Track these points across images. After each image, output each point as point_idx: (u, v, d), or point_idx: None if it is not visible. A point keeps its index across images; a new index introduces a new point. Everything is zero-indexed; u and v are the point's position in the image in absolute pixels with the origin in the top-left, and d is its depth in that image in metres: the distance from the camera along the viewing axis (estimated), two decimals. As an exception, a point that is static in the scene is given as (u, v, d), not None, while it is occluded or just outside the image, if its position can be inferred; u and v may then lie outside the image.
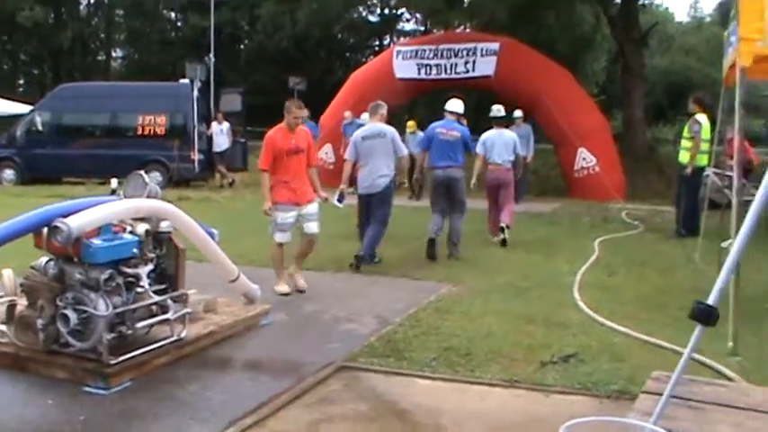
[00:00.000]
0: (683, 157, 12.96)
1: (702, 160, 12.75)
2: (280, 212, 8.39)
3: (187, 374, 5.62)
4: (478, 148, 12.37)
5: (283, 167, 8.42)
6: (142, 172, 6.40)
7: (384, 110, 10.49)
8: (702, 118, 12.73)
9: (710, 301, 2.87)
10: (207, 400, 5.14)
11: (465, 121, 12.73)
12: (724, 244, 7.72)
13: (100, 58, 56.06)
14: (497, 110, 13.63)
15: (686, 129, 13.10)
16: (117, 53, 58.43)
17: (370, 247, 10.23)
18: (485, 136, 12.67)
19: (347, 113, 20.95)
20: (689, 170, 12.80)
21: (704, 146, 12.70)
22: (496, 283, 9.00)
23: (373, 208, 10.42)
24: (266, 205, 8.36)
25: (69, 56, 51.04)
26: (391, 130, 10.36)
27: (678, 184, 13.54)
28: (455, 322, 7.16)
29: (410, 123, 21.41)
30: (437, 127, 11.47)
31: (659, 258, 11.02)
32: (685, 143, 12.99)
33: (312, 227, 8.55)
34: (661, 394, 2.92)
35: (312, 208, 8.57)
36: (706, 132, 12.67)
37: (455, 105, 11.77)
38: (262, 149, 8.61)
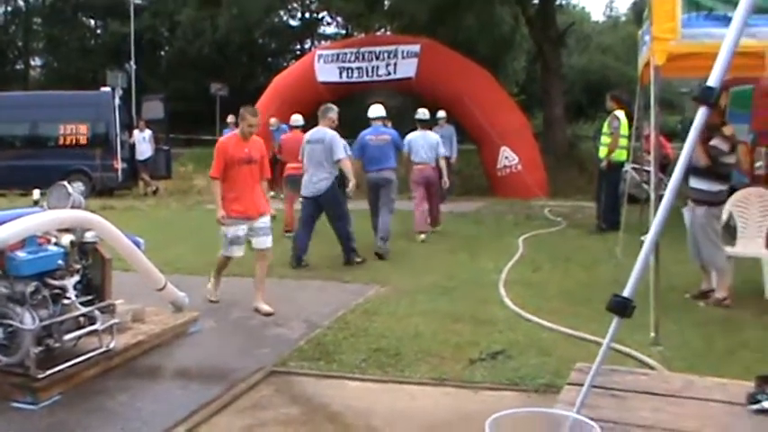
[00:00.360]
0: (603, 152, 13.22)
1: (621, 155, 13.08)
2: (230, 227, 7.99)
3: (117, 385, 5.60)
4: (404, 149, 12.81)
5: (233, 177, 7.96)
6: (65, 182, 6.35)
7: (332, 113, 10.57)
8: (621, 114, 13.00)
9: (626, 293, 2.98)
10: (137, 411, 5.12)
11: (390, 123, 13.37)
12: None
13: (18, 67, 54.94)
14: (422, 113, 14.10)
15: (606, 125, 13.35)
16: (35, 62, 57.24)
17: (350, 244, 10.68)
18: (409, 137, 13.07)
19: (272, 120, 20.86)
20: (604, 164, 13.09)
21: (623, 141, 13.07)
22: (423, 283, 9.08)
23: (327, 212, 10.65)
24: (219, 213, 7.91)
25: (-13, 65, 50.01)
26: (331, 134, 10.36)
27: (598, 179, 13.83)
28: (383, 323, 7.23)
29: None
30: (366, 135, 12.21)
31: (582, 253, 11.22)
32: (605, 139, 13.27)
33: (263, 241, 8.14)
34: (581, 384, 3.03)
35: (264, 221, 8.11)
36: (624, 128, 13.01)
37: (378, 111, 12.47)
38: (214, 157, 8.11)
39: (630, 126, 12.49)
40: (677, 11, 6.41)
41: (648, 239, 2.98)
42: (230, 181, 7.97)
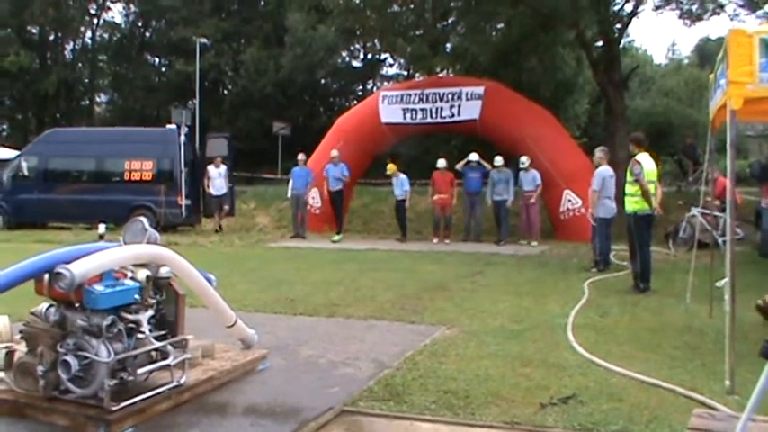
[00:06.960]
0: (631, 204, 12.00)
1: (642, 204, 11.90)
2: None
3: (188, 420, 5.60)
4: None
5: None
6: (143, 218, 6.40)
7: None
8: (643, 158, 11.97)
9: None
10: (208, 447, 5.12)
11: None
12: (718, 284, 7.78)
13: (84, 103, 56.07)
14: (525, 160, 20.90)
15: (628, 172, 12.09)
16: (101, 98, 58.47)
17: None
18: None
19: (334, 152, 20.88)
20: (657, 211, 12.13)
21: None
22: (490, 326, 9.01)
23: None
24: None
25: (54, 101, 51.04)
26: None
27: (629, 234, 12.33)
28: (452, 365, 7.17)
29: (390, 166, 21.40)
30: (469, 171, 21.28)
31: (650, 298, 11.08)
32: (629, 188, 12.00)
33: None
34: (705, 430, 3.00)
35: None
36: (650, 174, 11.89)
37: (474, 156, 21.17)
38: None
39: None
40: (755, 55, 6.31)
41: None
42: None
